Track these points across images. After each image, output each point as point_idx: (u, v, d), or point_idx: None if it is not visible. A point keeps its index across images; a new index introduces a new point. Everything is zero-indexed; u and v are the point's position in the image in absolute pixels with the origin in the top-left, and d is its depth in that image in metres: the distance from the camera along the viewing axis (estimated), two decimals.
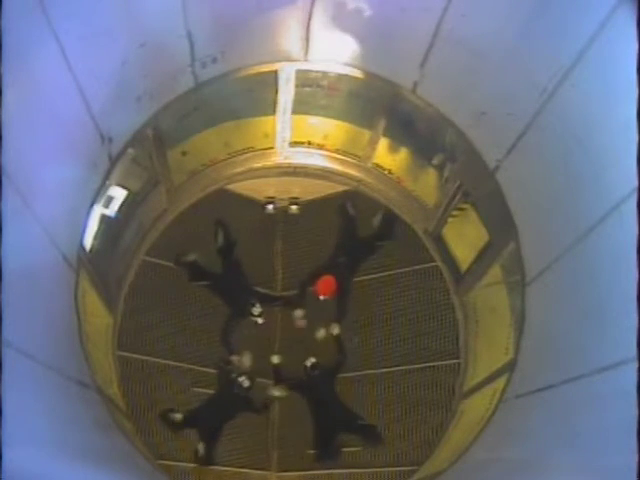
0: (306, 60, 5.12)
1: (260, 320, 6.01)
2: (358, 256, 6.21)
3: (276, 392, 5.86)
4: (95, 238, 4.77)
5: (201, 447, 5.70)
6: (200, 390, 5.91)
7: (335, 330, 6.02)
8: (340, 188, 6.46)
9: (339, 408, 5.83)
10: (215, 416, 5.78)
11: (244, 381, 5.74)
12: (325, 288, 5.96)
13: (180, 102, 5.03)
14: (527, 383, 4.40)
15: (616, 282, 3.30)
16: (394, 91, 5.21)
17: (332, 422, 5.82)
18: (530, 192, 4.46)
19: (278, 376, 5.97)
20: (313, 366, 5.87)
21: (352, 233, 6.28)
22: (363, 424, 5.84)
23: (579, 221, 3.74)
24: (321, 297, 5.99)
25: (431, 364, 5.99)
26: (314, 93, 5.56)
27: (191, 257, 6.08)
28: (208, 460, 5.73)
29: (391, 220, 6.24)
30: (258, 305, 5.97)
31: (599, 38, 3.23)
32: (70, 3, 3.42)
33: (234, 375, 5.79)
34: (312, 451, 5.83)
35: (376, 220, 6.25)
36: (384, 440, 5.83)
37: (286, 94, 5.52)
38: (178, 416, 5.71)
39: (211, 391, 5.91)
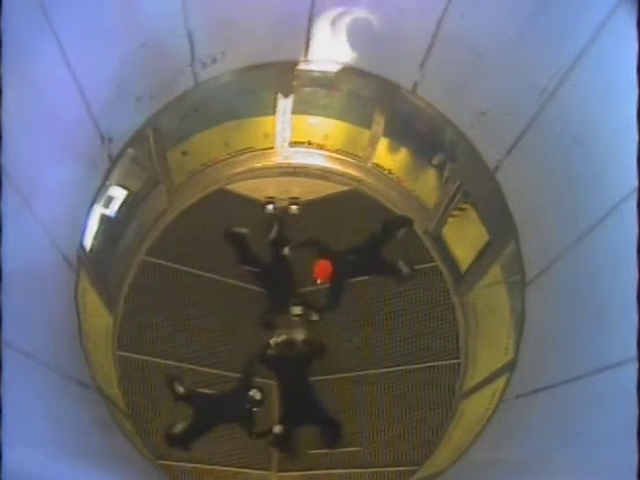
0: (306, 60, 5.12)
1: (296, 319, 6.00)
2: (368, 267, 6.16)
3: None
4: (95, 238, 4.77)
5: (179, 427, 5.63)
6: (200, 390, 5.91)
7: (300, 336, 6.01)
8: (340, 188, 6.47)
9: (309, 399, 5.80)
10: (214, 411, 5.74)
11: (255, 393, 5.68)
12: (322, 272, 5.94)
13: (180, 102, 5.03)
14: (527, 383, 4.40)
15: (616, 282, 3.30)
16: (394, 91, 5.21)
17: (298, 412, 5.79)
18: (530, 192, 4.46)
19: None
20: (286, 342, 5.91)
21: (377, 250, 6.19)
22: (329, 418, 5.79)
23: (579, 221, 3.74)
24: (318, 281, 5.98)
25: (431, 364, 5.98)
26: (314, 93, 5.56)
27: (242, 230, 6.10)
28: (179, 443, 5.62)
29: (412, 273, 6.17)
30: (300, 308, 5.98)
31: (599, 38, 3.24)
32: (70, 3, 3.42)
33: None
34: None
35: (403, 266, 6.13)
36: (344, 440, 5.79)
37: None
38: (181, 389, 5.68)
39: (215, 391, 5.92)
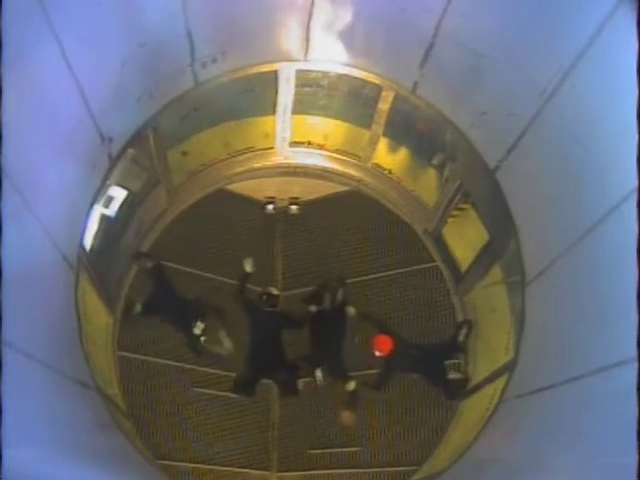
0: (306, 60, 5.12)
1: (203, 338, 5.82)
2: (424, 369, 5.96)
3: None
4: (95, 238, 4.77)
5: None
6: (200, 390, 5.91)
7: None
8: (340, 188, 6.47)
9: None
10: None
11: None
12: (383, 346, 5.65)
13: (180, 102, 5.03)
14: (527, 383, 4.40)
15: (616, 282, 3.30)
16: (394, 91, 5.21)
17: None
18: (530, 192, 4.46)
19: None
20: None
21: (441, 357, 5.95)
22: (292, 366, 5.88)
23: (579, 221, 3.74)
24: (377, 353, 5.68)
25: None
26: (314, 93, 5.56)
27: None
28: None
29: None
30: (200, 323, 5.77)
31: (599, 38, 3.23)
32: (70, 3, 3.42)
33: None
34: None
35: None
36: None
37: (286, 94, 5.52)
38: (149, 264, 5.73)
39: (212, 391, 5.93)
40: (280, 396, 5.97)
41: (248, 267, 5.69)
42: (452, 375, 5.82)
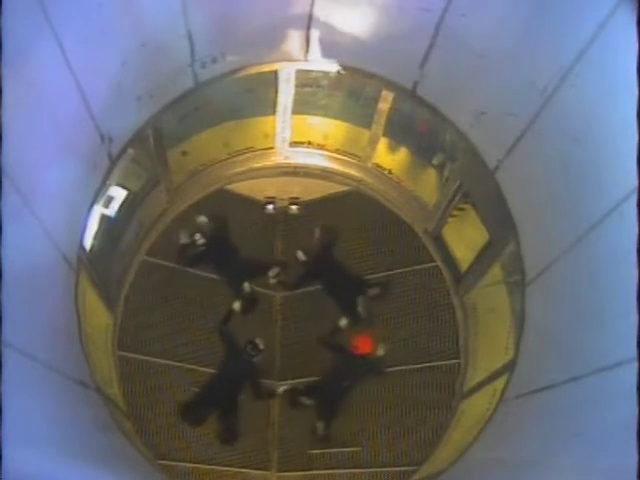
0: (306, 60, 5.12)
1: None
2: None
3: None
4: (95, 238, 4.77)
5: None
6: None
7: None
8: (340, 188, 6.47)
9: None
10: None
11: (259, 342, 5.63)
12: (364, 345, 5.70)
13: (180, 102, 5.03)
14: (527, 383, 4.40)
15: (616, 282, 3.30)
16: (394, 91, 5.21)
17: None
18: (530, 192, 4.46)
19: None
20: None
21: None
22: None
23: (579, 221, 3.74)
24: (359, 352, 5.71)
25: (431, 364, 5.99)
26: (314, 93, 5.56)
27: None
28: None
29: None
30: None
31: (599, 38, 3.24)
32: (70, 3, 3.42)
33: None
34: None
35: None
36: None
37: (286, 94, 5.53)
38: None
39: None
40: (218, 437, 5.85)
41: (236, 306, 5.86)
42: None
